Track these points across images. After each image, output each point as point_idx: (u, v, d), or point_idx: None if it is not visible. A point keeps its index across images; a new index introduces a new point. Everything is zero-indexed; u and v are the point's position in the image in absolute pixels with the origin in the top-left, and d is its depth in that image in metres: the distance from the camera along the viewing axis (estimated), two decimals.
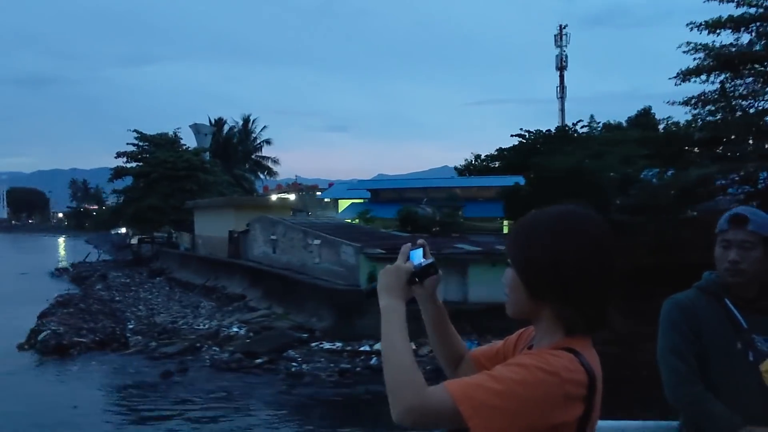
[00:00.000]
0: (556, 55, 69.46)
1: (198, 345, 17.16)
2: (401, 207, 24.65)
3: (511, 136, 46.75)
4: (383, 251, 16.68)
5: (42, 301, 27.64)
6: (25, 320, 22.39)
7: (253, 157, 52.52)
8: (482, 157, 49.07)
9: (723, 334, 2.05)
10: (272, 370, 15.05)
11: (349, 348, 15.39)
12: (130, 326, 20.48)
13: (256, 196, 32.38)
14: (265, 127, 53.10)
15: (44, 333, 18.72)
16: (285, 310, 18.86)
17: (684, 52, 16.99)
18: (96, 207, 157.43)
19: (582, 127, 44.49)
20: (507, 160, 44.63)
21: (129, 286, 29.43)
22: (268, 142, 53.68)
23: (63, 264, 47.93)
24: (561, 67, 69.28)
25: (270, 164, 53.11)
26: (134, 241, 48.75)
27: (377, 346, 15.46)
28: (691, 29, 18.09)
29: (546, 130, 44.99)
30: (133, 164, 41.35)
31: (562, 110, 67.77)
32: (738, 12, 17.71)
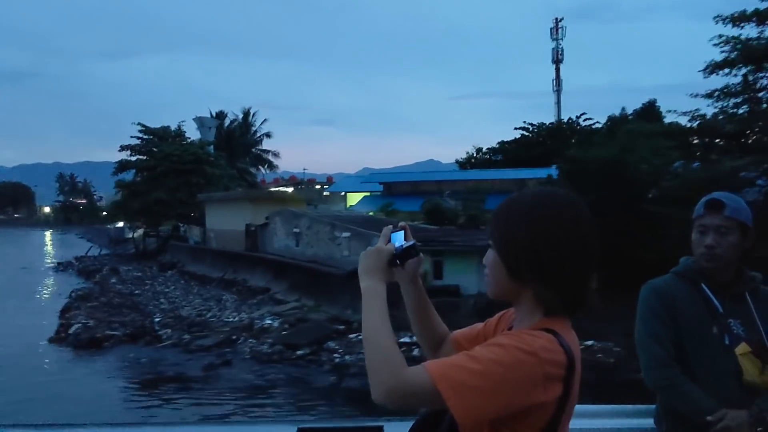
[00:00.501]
0: (552, 49, 69.96)
1: (234, 337, 17.22)
2: (423, 200, 24.71)
3: (515, 129, 47.14)
4: (418, 243, 16.77)
5: (55, 296, 27.61)
6: (44, 314, 22.42)
7: (253, 150, 52.35)
8: (483, 150, 49.34)
9: (699, 318, 2.08)
10: (315, 361, 15.17)
11: None
12: (157, 319, 20.47)
13: (273, 190, 32.25)
14: (265, 120, 52.87)
15: (75, 326, 18.71)
16: (316, 302, 18.94)
17: (714, 45, 17.28)
18: (84, 201, 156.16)
19: (584, 119, 44.89)
20: (511, 153, 44.99)
21: (143, 279, 29.33)
22: (268, 135, 53.57)
23: (64, 258, 47.62)
24: (557, 61, 69.75)
25: (270, 157, 53.02)
26: (135, 234, 48.62)
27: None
28: (717, 22, 18.42)
29: (549, 123, 45.33)
30: (136, 158, 41.08)
31: (558, 103, 68.19)
32: (764, 5, 18.08)
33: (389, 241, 1.41)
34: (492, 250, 1.31)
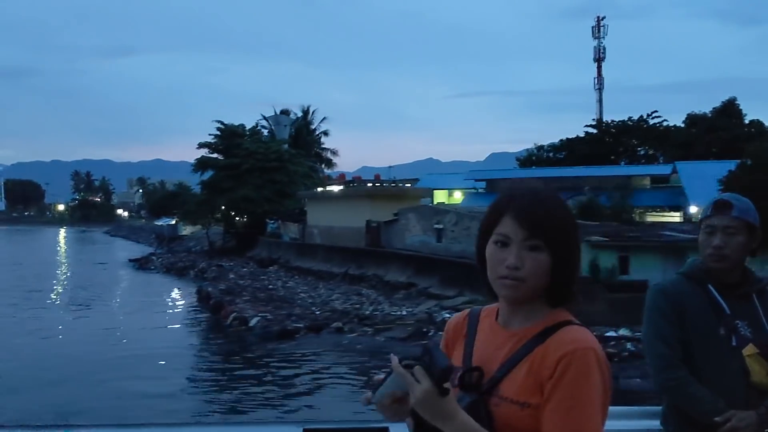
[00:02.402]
0: (594, 47, 70.36)
1: (425, 330, 17.65)
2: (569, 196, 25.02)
3: (585, 126, 47.88)
4: (605, 238, 17.26)
5: (163, 293, 28.04)
6: (179, 310, 23.05)
7: (316, 150, 52.72)
8: (545, 147, 49.90)
9: (706, 319, 2.07)
10: None
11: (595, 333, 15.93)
12: (317, 312, 20.86)
13: (393, 187, 32.60)
14: (324, 118, 53.18)
15: (255, 320, 19.12)
16: (479, 297, 19.38)
17: None
18: (99, 199, 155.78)
19: (653, 117, 45.39)
20: (576, 150, 45.54)
21: (255, 275, 29.68)
22: (325, 133, 53.93)
23: (130, 255, 47.86)
24: (599, 59, 70.20)
25: (329, 155, 53.42)
26: (189, 231, 48.62)
27: (622, 331, 16.04)
28: None
29: (620, 121, 45.79)
30: (213, 156, 41.37)
31: (600, 101, 68.62)
32: None
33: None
34: (535, 250, 1.24)
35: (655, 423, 2.23)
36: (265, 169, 38.13)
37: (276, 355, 16.43)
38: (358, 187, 32.62)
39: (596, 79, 70.62)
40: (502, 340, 1.32)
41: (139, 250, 55.93)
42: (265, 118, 48.79)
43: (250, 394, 13.45)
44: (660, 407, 2.23)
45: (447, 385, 1.18)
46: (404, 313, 19.94)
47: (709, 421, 2.00)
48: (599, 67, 70.72)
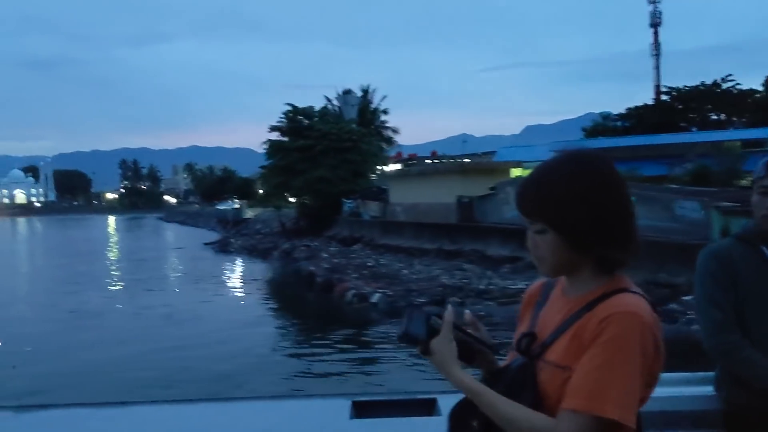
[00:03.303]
0: (650, 12, 68.78)
1: None
2: (665, 164, 24.65)
3: (659, 93, 46.87)
4: (736, 204, 16.96)
5: (257, 274, 28.67)
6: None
7: (373, 126, 52.77)
8: (612, 115, 49.04)
9: (759, 281, 2.02)
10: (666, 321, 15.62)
11: None
12: (438, 288, 21.01)
13: (484, 162, 32.63)
14: (384, 96, 53.09)
15: (376, 296, 19.44)
16: None
17: None
18: (147, 186, 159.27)
19: (726, 81, 44.14)
20: (646, 118, 44.65)
21: (345, 254, 30.05)
22: (385, 111, 53.87)
23: (199, 240, 48.88)
24: (655, 24, 68.60)
25: (390, 134, 53.40)
26: (252, 214, 49.22)
27: None
28: None
29: (692, 86, 44.60)
30: (284, 138, 41.73)
31: (657, 68, 67.22)
32: None
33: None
34: (541, 233, 1.29)
35: (709, 389, 2.18)
36: (339, 149, 38.40)
37: None
38: (448, 164, 32.77)
39: (652, 45, 69.19)
40: (559, 307, 1.35)
41: (202, 235, 57.12)
42: (327, 99, 49.03)
43: (392, 367, 13.42)
44: (713, 373, 2.18)
45: (440, 345, 1.29)
46: (522, 285, 20.01)
47: (763, 386, 1.94)
48: (656, 33, 69.11)
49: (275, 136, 41.93)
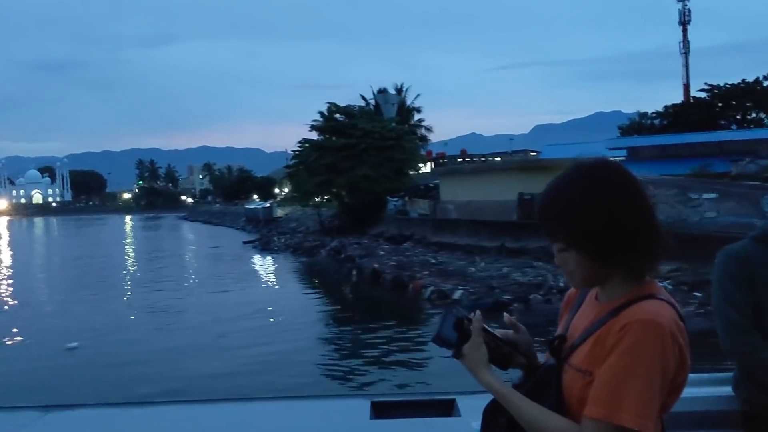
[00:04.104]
0: (679, 10, 68.48)
1: None
2: (696, 164, 24.66)
3: (699, 91, 46.70)
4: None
5: (312, 274, 28.67)
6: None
7: (407, 125, 52.84)
8: (649, 113, 48.82)
9: None
10: None
11: None
12: (514, 285, 20.97)
13: (543, 159, 32.55)
14: (418, 95, 53.17)
15: (458, 293, 19.44)
16: (690, 266, 19.23)
17: None
18: (163, 186, 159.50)
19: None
20: (690, 116, 44.35)
21: (400, 251, 30.01)
22: (418, 110, 53.93)
23: (232, 239, 48.94)
24: (684, 22, 68.27)
25: (424, 132, 53.46)
26: (282, 213, 49.05)
27: None
28: None
29: (732, 84, 44.31)
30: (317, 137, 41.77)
31: (686, 66, 66.93)
32: None
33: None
34: (564, 250, 1.31)
35: (727, 389, 2.19)
36: (382, 147, 38.40)
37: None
38: (506, 161, 32.68)
39: (681, 43, 68.82)
40: (589, 312, 1.36)
41: (232, 234, 57.22)
42: (363, 98, 49.09)
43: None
44: (731, 373, 2.18)
45: (470, 349, 1.34)
46: None
47: None
48: (684, 31, 68.79)
49: (304, 134, 42.02)
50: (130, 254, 41.24)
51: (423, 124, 53.44)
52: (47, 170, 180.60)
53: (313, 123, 42.15)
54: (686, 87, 65.72)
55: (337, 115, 41.88)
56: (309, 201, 42.79)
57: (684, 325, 1.27)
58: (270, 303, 19.97)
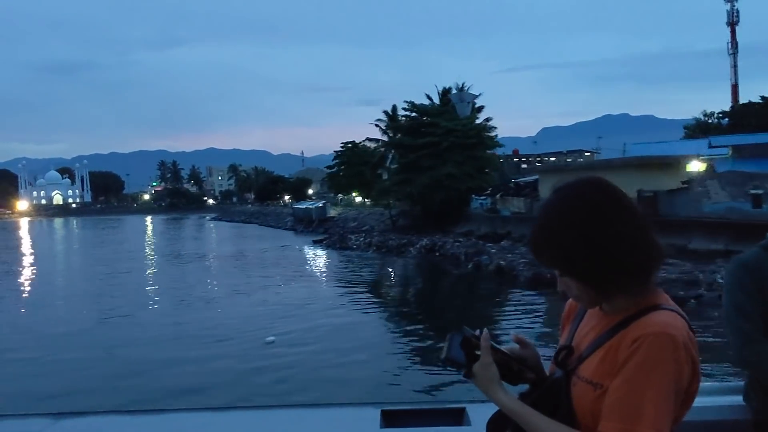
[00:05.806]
0: (727, 11, 68.36)
1: None
2: None
3: (736, 92, 46.15)
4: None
5: (426, 274, 28.24)
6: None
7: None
8: (716, 113, 48.63)
9: None
10: None
11: None
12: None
13: (661, 156, 32.12)
14: (480, 94, 52.83)
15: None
16: None
17: None
18: (188, 187, 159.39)
19: None
20: (761, 117, 44.05)
21: (508, 250, 29.65)
22: (478, 109, 53.63)
23: (280, 240, 48.53)
24: (732, 23, 68.21)
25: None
26: (335, 212, 48.66)
27: None
28: None
29: None
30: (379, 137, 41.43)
31: (735, 66, 66.79)
32: None
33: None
34: (566, 278, 1.28)
35: (738, 398, 2.18)
36: (465, 145, 38.13)
37: None
38: (623, 158, 32.24)
39: (729, 44, 68.64)
40: (595, 322, 1.34)
41: (281, 234, 56.77)
42: (428, 97, 48.77)
43: None
44: (742, 382, 2.18)
45: (481, 368, 1.32)
46: None
47: None
48: (733, 31, 68.72)
49: (315, 136, 41.70)
50: (215, 256, 39.64)
51: (490, 123, 53.21)
52: (66, 171, 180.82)
53: (376, 122, 41.85)
54: (734, 87, 65.54)
55: (401, 114, 41.52)
56: (385, 200, 42.49)
57: (694, 336, 1.24)
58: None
